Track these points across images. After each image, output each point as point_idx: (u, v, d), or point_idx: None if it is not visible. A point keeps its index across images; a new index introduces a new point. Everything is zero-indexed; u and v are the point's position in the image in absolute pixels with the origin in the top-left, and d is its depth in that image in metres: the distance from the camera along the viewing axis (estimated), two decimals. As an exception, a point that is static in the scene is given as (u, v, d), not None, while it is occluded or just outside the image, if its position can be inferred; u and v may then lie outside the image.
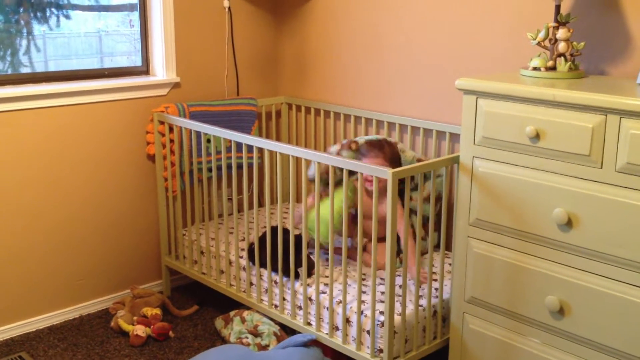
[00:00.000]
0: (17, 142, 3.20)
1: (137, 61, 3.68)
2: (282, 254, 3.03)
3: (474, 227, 2.61)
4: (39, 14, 3.38)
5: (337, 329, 2.88)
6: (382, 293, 2.85)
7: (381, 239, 2.84)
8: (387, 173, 2.49)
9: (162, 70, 3.62)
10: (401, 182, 2.63)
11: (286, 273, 3.05)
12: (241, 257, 3.31)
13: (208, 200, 3.48)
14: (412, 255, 2.95)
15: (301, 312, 3.02)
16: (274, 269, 3.11)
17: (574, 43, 2.58)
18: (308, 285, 2.98)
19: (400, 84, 3.46)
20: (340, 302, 2.84)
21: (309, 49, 3.89)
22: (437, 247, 3.22)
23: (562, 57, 2.57)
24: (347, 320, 2.82)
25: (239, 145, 3.21)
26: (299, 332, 3.02)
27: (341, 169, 2.77)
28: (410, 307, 2.78)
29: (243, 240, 3.44)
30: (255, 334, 3.11)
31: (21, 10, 3.32)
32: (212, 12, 3.73)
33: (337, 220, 2.89)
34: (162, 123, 3.51)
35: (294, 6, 3.92)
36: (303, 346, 2.87)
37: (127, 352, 3.19)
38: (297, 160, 2.93)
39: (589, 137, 2.22)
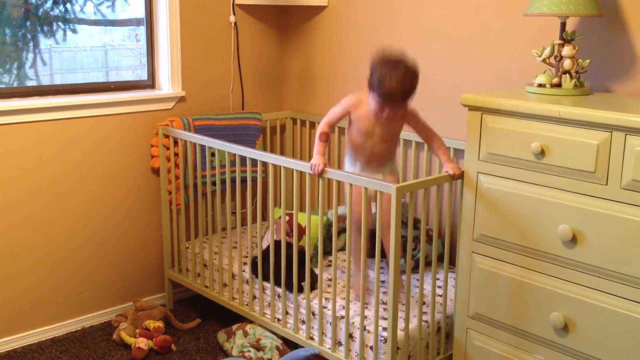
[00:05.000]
0: (22, 155, 3.21)
1: (142, 75, 3.69)
2: (285, 268, 3.03)
3: (478, 243, 2.61)
4: (45, 28, 3.40)
5: (339, 344, 2.87)
6: (385, 310, 2.84)
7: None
8: (391, 188, 2.50)
9: (168, 84, 3.63)
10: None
11: (289, 287, 3.05)
12: (244, 271, 3.31)
13: (212, 213, 3.48)
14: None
15: (304, 327, 3.01)
16: (277, 282, 3.10)
17: (579, 60, 2.59)
18: (311, 299, 2.98)
19: (404, 100, 3.46)
20: (343, 317, 2.83)
21: (314, 64, 3.91)
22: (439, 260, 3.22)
23: (568, 74, 2.58)
24: (350, 336, 2.81)
25: (243, 159, 3.22)
26: (302, 346, 3.01)
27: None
28: (413, 323, 2.77)
29: (246, 256, 3.43)
30: (258, 347, 3.10)
31: (28, 24, 3.34)
32: (218, 27, 3.76)
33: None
34: (167, 136, 3.52)
35: (299, 22, 3.95)
36: (306, 361, 2.86)
37: (129, 366, 3.19)
38: (301, 174, 2.94)
39: (594, 153, 2.23)
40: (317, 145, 2.85)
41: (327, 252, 3.41)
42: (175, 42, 3.59)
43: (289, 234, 3.20)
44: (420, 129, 2.89)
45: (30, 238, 3.30)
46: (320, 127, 2.90)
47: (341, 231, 3.36)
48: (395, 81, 2.61)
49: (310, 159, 3.85)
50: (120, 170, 3.54)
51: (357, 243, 2.92)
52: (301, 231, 3.19)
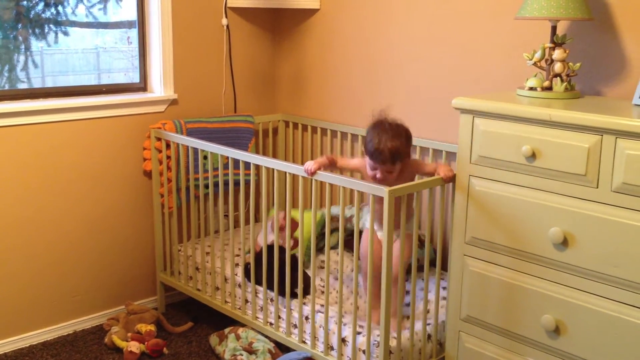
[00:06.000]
0: (13, 158, 3.20)
1: (134, 78, 3.69)
2: (278, 273, 3.02)
3: (470, 246, 2.62)
4: (37, 31, 3.40)
5: (332, 348, 2.87)
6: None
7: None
8: (383, 191, 2.50)
9: (160, 87, 3.63)
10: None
11: (282, 292, 3.04)
12: (236, 274, 3.30)
13: (204, 216, 3.48)
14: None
15: (296, 331, 3.01)
16: (270, 286, 3.10)
17: (570, 64, 2.60)
18: (304, 303, 2.97)
19: (396, 103, 3.47)
20: (336, 321, 2.83)
21: (306, 67, 3.91)
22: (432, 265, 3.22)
23: (558, 78, 2.59)
24: (343, 340, 2.81)
25: (235, 162, 3.22)
26: (294, 350, 3.00)
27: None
28: (405, 326, 2.77)
29: (238, 255, 3.43)
30: (250, 351, 3.09)
31: (19, 26, 3.33)
32: (210, 30, 3.75)
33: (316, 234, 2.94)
34: (159, 139, 3.51)
35: (291, 25, 3.95)
36: (298, 364, 2.86)
37: (121, 369, 3.18)
38: (294, 177, 2.94)
39: (585, 156, 2.23)
40: (320, 159, 2.89)
41: (320, 248, 3.39)
42: (168, 45, 3.59)
43: (283, 228, 3.19)
44: (427, 173, 2.87)
45: (22, 241, 3.28)
46: (331, 155, 2.98)
47: (334, 230, 3.36)
48: (380, 141, 2.76)
49: (302, 161, 3.88)
50: (113, 173, 3.53)
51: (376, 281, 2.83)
52: (295, 225, 3.18)
